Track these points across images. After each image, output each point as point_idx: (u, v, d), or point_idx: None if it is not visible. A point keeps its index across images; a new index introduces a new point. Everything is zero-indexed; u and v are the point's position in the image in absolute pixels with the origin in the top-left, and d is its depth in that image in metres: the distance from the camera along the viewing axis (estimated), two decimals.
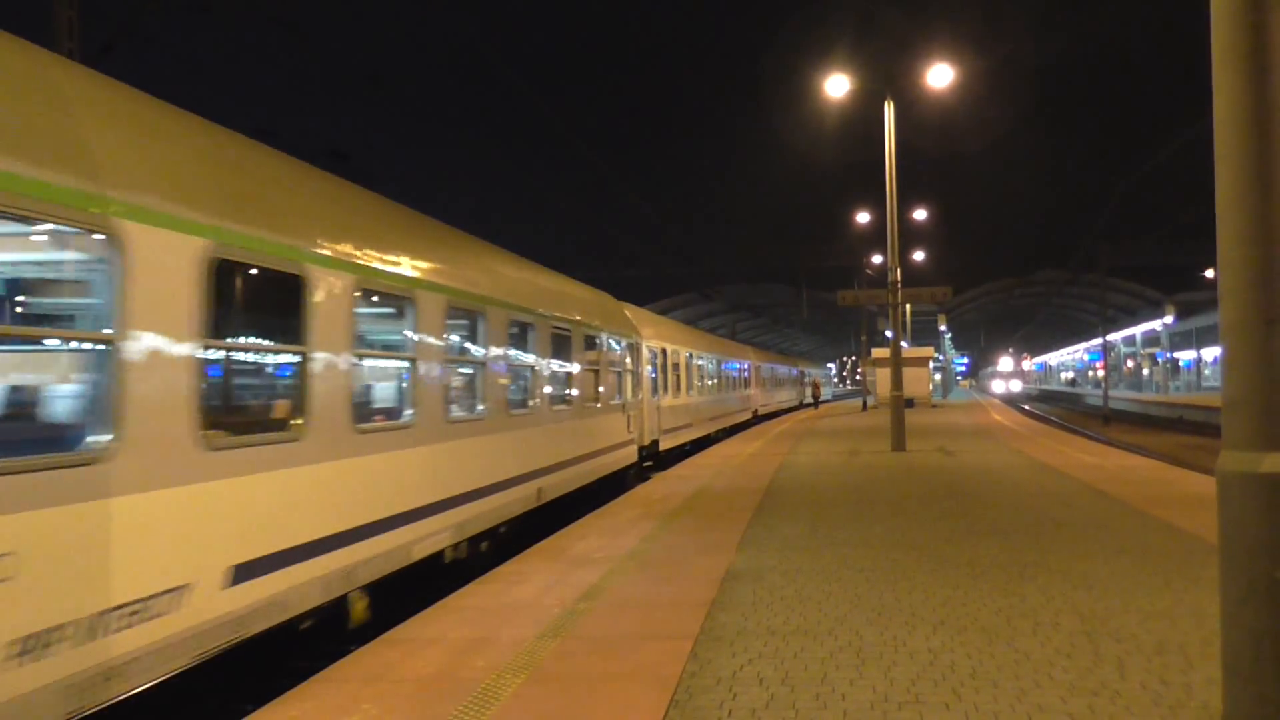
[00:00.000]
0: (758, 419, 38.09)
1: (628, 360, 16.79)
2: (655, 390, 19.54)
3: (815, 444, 22.19)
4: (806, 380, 60.96)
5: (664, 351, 20.58)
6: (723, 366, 30.34)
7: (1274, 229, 3.54)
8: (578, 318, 13.19)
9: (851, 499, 12.05)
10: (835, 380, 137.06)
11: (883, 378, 41.57)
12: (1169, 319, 65.45)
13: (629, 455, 16.46)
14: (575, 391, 12.89)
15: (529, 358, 11.02)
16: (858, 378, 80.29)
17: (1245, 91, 3.57)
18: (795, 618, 6.28)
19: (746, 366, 36.58)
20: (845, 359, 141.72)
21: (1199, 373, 68.57)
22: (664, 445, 20.03)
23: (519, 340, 10.83)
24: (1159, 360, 71.29)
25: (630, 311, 18.80)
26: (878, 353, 45.00)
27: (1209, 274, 55.49)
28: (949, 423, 29.94)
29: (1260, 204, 3.55)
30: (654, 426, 19.17)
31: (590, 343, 13.79)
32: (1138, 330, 76.74)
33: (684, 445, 22.72)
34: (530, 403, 10.97)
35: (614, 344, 15.61)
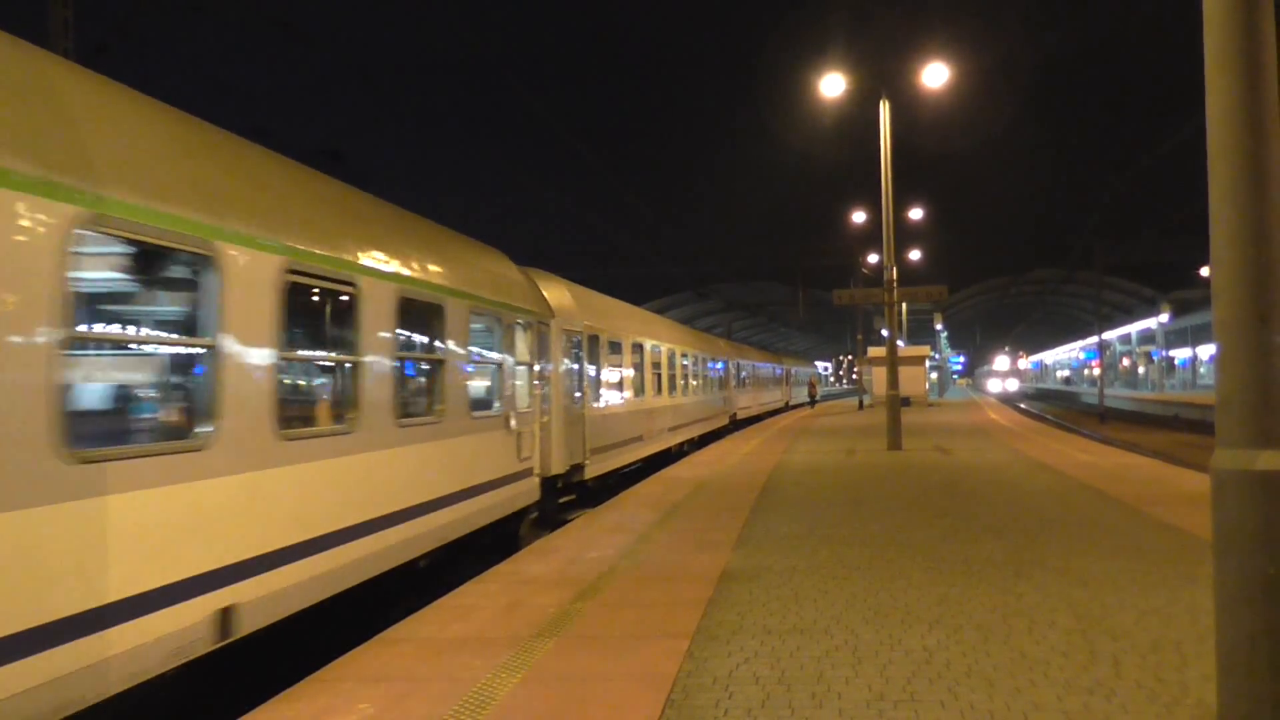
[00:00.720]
0: (735, 425, 33.36)
1: (522, 348, 11.66)
2: (580, 392, 14.19)
3: (811, 443, 22.21)
4: (794, 380, 60.28)
5: (595, 339, 15.20)
6: (687, 361, 24.57)
7: (1267, 227, 3.56)
8: (394, 270, 7.93)
9: (848, 497, 12.06)
10: (831, 379, 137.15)
11: (879, 376, 41.63)
12: (1164, 317, 65.63)
13: (523, 493, 11.27)
14: (384, 396, 7.60)
15: (229, 333, 5.67)
16: (854, 376, 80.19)
17: (1238, 91, 3.59)
18: (791, 616, 6.30)
19: (721, 363, 31.30)
20: (842, 357, 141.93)
21: (1194, 371, 68.74)
22: (594, 471, 14.47)
23: (207, 298, 5.58)
24: (1154, 358, 71.47)
25: (550, 287, 13.72)
26: (874, 351, 45.06)
27: (1204, 272, 55.54)
28: (945, 421, 29.98)
29: (1253, 203, 3.57)
30: (576, 445, 13.67)
31: (428, 316, 8.83)
32: (1133, 328, 76.92)
33: (629, 466, 17.35)
34: (228, 424, 5.59)
35: (491, 323, 10.58)
